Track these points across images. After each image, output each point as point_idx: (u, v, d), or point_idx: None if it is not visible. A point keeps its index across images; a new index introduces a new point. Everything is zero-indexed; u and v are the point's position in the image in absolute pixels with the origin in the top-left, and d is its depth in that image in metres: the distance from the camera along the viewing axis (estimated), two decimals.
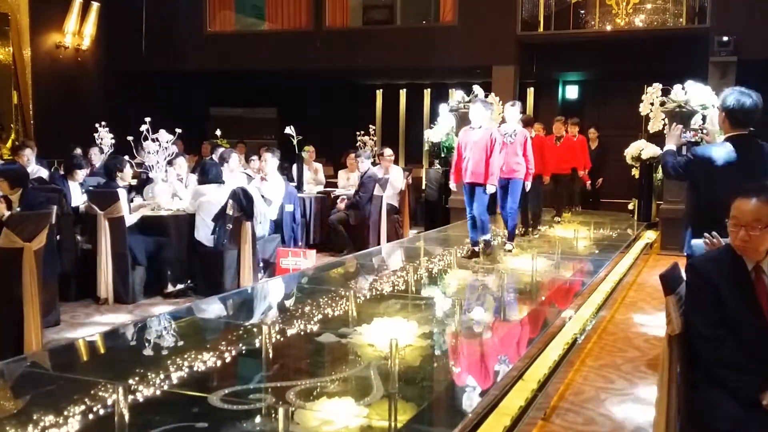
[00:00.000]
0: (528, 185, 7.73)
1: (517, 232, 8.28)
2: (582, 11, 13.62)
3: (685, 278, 2.89)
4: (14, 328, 4.86)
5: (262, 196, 7.71)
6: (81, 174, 7.07)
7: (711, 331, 2.71)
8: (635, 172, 10.73)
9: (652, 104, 9.68)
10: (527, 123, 9.66)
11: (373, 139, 12.82)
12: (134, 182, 8.19)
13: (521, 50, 13.43)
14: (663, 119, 9.53)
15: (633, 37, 13.17)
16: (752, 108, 4.02)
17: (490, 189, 7.03)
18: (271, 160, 8.21)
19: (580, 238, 8.69)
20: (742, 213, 2.73)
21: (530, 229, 9.19)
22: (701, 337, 2.74)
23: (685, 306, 2.81)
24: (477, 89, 11.16)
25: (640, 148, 10.39)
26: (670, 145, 4.45)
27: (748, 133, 4.11)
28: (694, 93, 9.20)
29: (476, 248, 7.35)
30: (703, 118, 9.36)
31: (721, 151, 4.13)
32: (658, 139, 10.16)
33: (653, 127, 9.82)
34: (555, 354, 4.39)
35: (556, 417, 3.93)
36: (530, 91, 14.61)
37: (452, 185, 7.77)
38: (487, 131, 7.06)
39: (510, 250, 7.73)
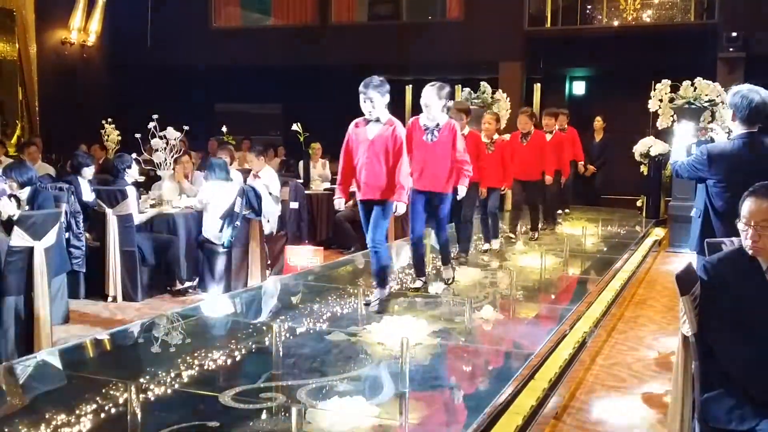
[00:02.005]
0: (462, 191, 5.68)
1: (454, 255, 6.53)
2: (589, 6, 13.58)
3: (700, 278, 2.87)
4: (25, 325, 4.87)
5: (270, 194, 7.70)
6: (89, 171, 7.07)
7: (726, 331, 2.70)
8: (644, 169, 10.68)
9: (660, 101, 9.64)
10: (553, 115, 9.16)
11: None
12: (141, 179, 8.19)
13: (528, 46, 13.39)
14: (672, 115, 9.50)
15: (641, 33, 13.12)
16: (760, 105, 4.01)
17: (401, 209, 5.01)
18: (256, 160, 8.06)
19: (588, 236, 8.65)
20: (752, 213, 2.71)
21: (483, 249, 7.36)
22: (716, 337, 2.72)
23: (700, 306, 2.78)
24: (484, 85, 11.14)
25: (649, 145, 10.34)
26: (678, 157, 4.41)
27: (758, 131, 4.09)
28: (703, 89, 9.16)
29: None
30: (712, 115, 9.33)
31: (732, 149, 4.12)
32: (666, 135, 10.12)
33: (662, 123, 9.79)
34: (566, 353, 4.37)
35: (568, 416, 3.92)
36: (537, 86, 14.54)
37: (338, 203, 5.28)
38: (387, 126, 4.99)
39: (449, 281, 5.83)
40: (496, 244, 7.44)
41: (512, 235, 8.26)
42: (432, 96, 5.39)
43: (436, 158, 5.47)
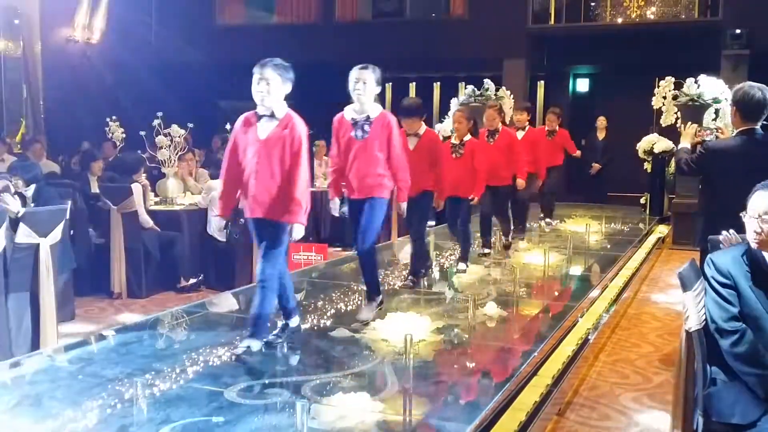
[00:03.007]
0: (403, 209, 4.92)
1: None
2: (593, 3, 13.56)
3: (702, 274, 2.88)
4: (30, 322, 4.89)
5: None
6: (98, 167, 7.10)
7: (730, 325, 2.71)
8: (647, 166, 10.68)
9: (664, 98, 9.63)
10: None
11: None
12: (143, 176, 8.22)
13: (532, 43, 13.39)
14: (675, 113, 9.49)
15: (645, 30, 13.11)
16: (762, 101, 4.06)
17: (297, 233, 3.97)
18: None
19: (591, 233, 8.66)
20: (758, 206, 2.73)
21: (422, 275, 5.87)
22: (720, 332, 2.73)
23: (704, 300, 2.80)
24: (488, 83, 11.14)
25: (653, 142, 10.34)
26: (685, 143, 4.46)
27: (760, 127, 4.14)
28: (707, 86, 9.15)
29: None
30: (716, 112, 9.32)
31: (734, 145, 4.17)
32: (670, 132, 10.11)
33: (665, 120, 9.78)
34: (569, 349, 4.39)
35: (571, 412, 3.93)
36: (541, 84, 14.55)
37: (216, 223, 4.69)
38: (284, 123, 3.92)
39: (365, 322, 4.59)
40: (463, 266, 6.27)
41: (486, 250, 7.06)
42: (368, 77, 4.45)
43: (366, 159, 4.51)
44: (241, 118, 4.04)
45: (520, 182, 7.27)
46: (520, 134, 7.93)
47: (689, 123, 4.84)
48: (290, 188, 3.88)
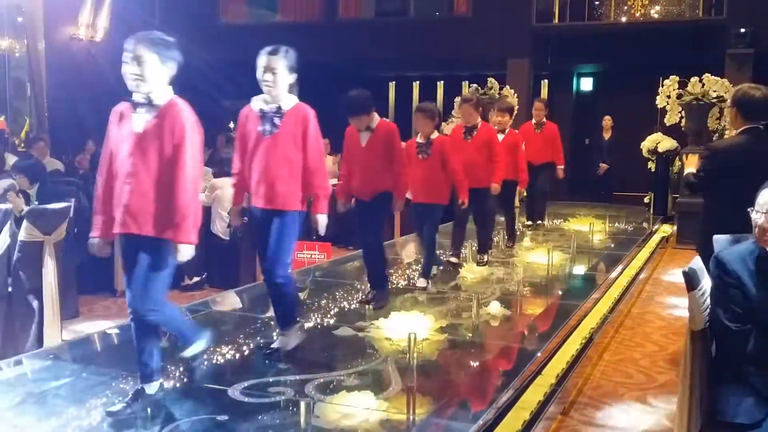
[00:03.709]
0: (322, 221, 3.93)
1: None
2: (597, 2, 13.53)
3: (707, 273, 2.87)
4: (35, 320, 4.90)
5: None
6: None
7: (736, 325, 2.70)
8: (651, 165, 10.66)
9: (668, 97, 9.62)
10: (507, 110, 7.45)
11: None
12: None
13: (536, 42, 13.36)
14: (680, 112, 9.47)
15: (649, 29, 13.07)
16: (761, 100, 4.07)
17: (184, 254, 3.17)
18: None
19: (595, 232, 8.64)
20: (764, 202, 2.73)
21: (373, 296, 5.11)
22: (726, 332, 2.72)
23: (710, 300, 2.79)
24: (491, 81, 11.15)
25: (657, 141, 10.33)
26: (690, 169, 4.37)
27: (761, 126, 4.14)
28: (711, 85, 9.14)
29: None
30: (720, 112, 9.31)
31: (738, 143, 4.16)
32: (674, 131, 10.10)
33: (670, 119, 9.77)
34: (573, 349, 4.38)
35: (575, 411, 3.93)
36: (544, 83, 14.54)
37: (94, 245, 3.40)
38: (165, 112, 3.14)
39: (284, 349, 3.98)
40: (422, 282, 5.56)
41: (454, 260, 6.35)
42: (278, 63, 3.74)
43: (275, 160, 3.75)
44: (116, 108, 3.24)
45: (495, 187, 6.38)
46: (499, 137, 7.02)
47: (690, 154, 4.72)
48: (173, 195, 3.07)
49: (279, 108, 3.79)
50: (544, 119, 8.47)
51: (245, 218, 4.19)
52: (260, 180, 3.81)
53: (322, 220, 3.91)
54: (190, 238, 3.14)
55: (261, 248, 3.93)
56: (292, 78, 3.83)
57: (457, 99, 11.45)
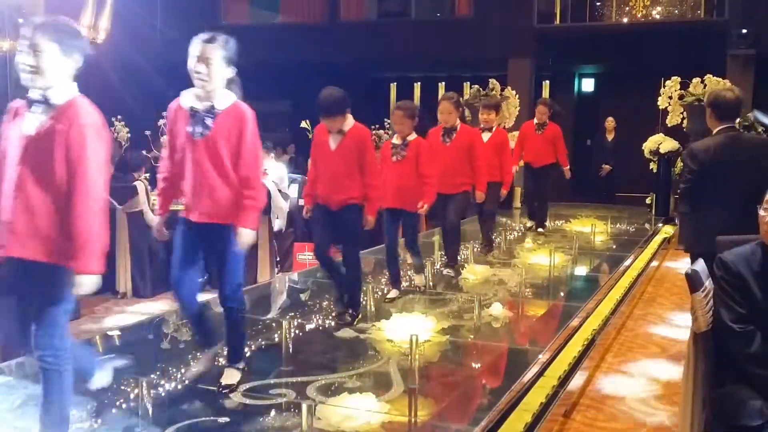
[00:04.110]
0: (247, 237, 3.32)
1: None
2: (599, 3, 13.53)
3: (711, 274, 2.86)
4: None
5: (279, 191, 7.72)
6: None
7: (739, 326, 2.70)
8: (653, 166, 10.64)
9: (670, 98, 9.60)
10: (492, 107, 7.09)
11: (387, 133, 12.81)
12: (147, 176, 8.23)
13: (537, 43, 13.36)
14: (681, 113, 9.46)
15: (650, 30, 13.07)
16: (733, 101, 4.33)
17: (85, 285, 2.64)
18: (265, 157, 8.07)
19: (597, 233, 8.63)
20: None
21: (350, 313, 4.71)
22: (729, 333, 2.71)
23: (713, 301, 2.78)
24: (493, 82, 11.13)
25: (659, 142, 10.30)
26: None
27: (738, 126, 4.52)
28: (713, 86, 9.11)
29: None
30: None
31: (717, 142, 4.33)
32: (676, 132, 10.08)
33: (671, 120, 9.75)
34: (575, 350, 4.37)
35: (577, 414, 3.91)
36: (546, 83, 14.53)
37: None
38: (64, 110, 2.72)
39: (228, 388, 3.50)
40: (394, 293, 5.25)
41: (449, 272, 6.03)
42: (214, 53, 3.28)
43: (207, 166, 3.27)
44: (10, 104, 2.81)
45: (480, 195, 5.97)
46: (485, 136, 6.72)
47: None
48: (69, 217, 2.59)
49: (212, 107, 3.29)
50: (547, 120, 8.21)
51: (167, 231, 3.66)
52: (193, 190, 3.34)
53: (245, 236, 3.30)
54: (91, 267, 2.60)
55: (184, 264, 3.45)
56: (230, 72, 3.36)
57: (459, 100, 11.45)
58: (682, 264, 7.54)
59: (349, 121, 4.44)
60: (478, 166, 5.90)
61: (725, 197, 4.16)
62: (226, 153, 3.28)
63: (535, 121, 8.29)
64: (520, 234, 8.57)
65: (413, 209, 5.14)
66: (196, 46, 3.30)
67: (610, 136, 12.13)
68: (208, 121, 3.28)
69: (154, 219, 6.75)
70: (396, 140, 5.21)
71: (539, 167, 8.12)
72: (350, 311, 4.66)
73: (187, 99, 3.36)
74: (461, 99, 7.02)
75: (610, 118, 12.21)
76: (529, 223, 8.67)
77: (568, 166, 8.35)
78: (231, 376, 3.54)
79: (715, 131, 4.39)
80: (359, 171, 4.42)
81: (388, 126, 13.00)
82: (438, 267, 6.26)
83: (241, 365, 3.59)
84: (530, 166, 8.23)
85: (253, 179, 3.33)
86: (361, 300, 4.84)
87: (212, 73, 3.27)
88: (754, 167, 4.14)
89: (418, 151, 5.09)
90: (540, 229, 8.40)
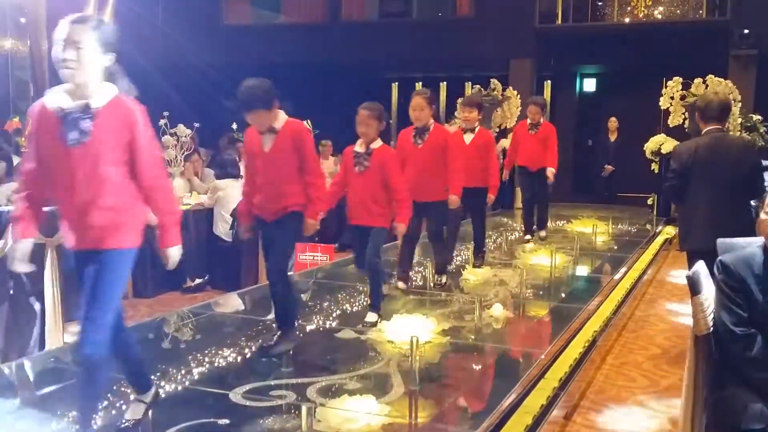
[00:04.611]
0: (172, 255, 3.00)
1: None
2: (600, 3, 13.52)
3: (712, 276, 2.86)
4: (36, 322, 4.90)
5: None
6: None
7: (740, 329, 2.69)
8: (655, 167, 10.64)
9: (672, 98, 9.60)
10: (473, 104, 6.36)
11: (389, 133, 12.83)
12: None
13: (539, 43, 13.36)
14: (683, 113, 9.46)
15: (652, 30, 13.06)
16: (717, 104, 4.65)
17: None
18: None
19: (599, 234, 8.62)
20: None
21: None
22: (730, 336, 2.71)
23: (714, 304, 2.78)
24: (494, 82, 11.13)
25: (660, 143, 10.31)
26: None
27: (723, 128, 4.73)
28: (715, 87, 9.12)
29: None
30: None
31: (703, 143, 4.64)
32: (677, 133, 10.07)
33: (673, 121, 9.75)
34: (576, 352, 4.36)
35: (578, 416, 3.91)
36: (547, 84, 14.53)
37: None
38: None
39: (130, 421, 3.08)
40: (373, 316, 4.62)
41: (401, 285, 5.43)
42: (84, 36, 2.71)
43: (88, 180, 2.67)
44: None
45: (453, 199, 5.33)
46: (467, 137, 6.21)
47: None
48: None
49: (87, 106, 2.67)
50: (541, 120, 7.62)
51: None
52: (69, 210, 2.75)
53: (172, 254, 2.94)
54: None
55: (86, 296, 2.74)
56: (107, 60, 2.76)
57: (460, 100, 11.44)
58: (683, 265, 7.53)
59: (281, 117, 3.90)
60: (452, 169, 5.29)
61: (710, 195, 4.52)
62: (112, 160, 2.69)
63: (528, 121, 7.69)
64: (521, 234, 8.56)
65: (380, 224, 4.61)
66: (63, 27, 2.73)
67: (612, 137, 12.12)
68: (86, 125, 2.66)
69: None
70: (359, 147, 4.62)
71: (537, 170, 7.57)
72: (279, 332, 4.05)
73: (54, 98, 2.73)
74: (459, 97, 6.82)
75: (613, 119, 12.19)
76: (526, 237, 7.88)
77: (554, 169, 7.52)
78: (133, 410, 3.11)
79: (702, 132, 4.71)
80: (298, 173, 3.90)
81: (389, 125, 13.03)
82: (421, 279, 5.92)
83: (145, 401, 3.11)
84: (527, 169, 7.65)
85: (160, 190, 2.82)
86: (296, 323, 4.24)
87: (83, 59, 2.66)
88: (736, 166, 4.49)
89: (383, 160, 4.53)
90: (542, 233, 7.97)
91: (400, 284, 5.41)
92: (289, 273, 4.30)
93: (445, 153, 5.26)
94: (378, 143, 4.60)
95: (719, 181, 4.49)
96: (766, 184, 5.19)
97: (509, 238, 8.16)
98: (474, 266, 6.34)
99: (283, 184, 3.88)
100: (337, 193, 4.84)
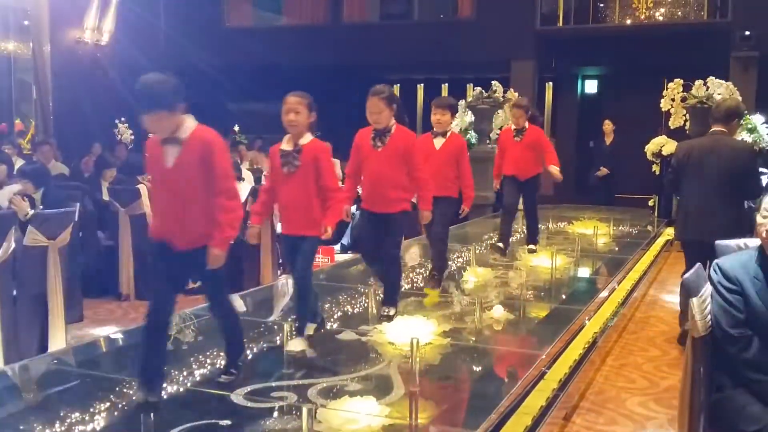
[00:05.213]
0: None
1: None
2: (602, 5, 13.54)
3: (709, 279, 2.87)
4: (39, 324, 4.93)
5: None
6: (110, 174, 7.15)
7: (737, 331, 2.71)
8: (655, 168, 10.65)
9: (673, 100, 9.61)
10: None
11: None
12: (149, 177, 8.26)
13: (540, 45, 13.38)
14: (684, 115, 9.47)
15: (653, 31, 13.09)
16: (725, 108, 5.15)
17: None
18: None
19: (599, 235, 8.64)
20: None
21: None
22: (727, 338, 2.73)
23: (711, 306, 2.79)
24: (495, 84, 11.14)
25: (661, 144, 10.30)
26: None
27: (725, 130, 5.11)
28: (716, 89, 9.12)
29: None
30: None
31: (692, 144, 5.28)
32: (678, 134, 10.08)
33: (674, 122, 9.76)
34: (576, 353, 4.38)
35: (577, 417, 3.93)
36: (549, 85, 14.56)
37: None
38: None
39: None
40: (299, 344, 4.01)
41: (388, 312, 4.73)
42: None
43: None
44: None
45: (425, 214, 4.76)
46: (437, 142, 5.50)
47: None
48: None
49: None
50: (526, 124, 6.79)
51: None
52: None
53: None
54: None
55: None
56: None
57: (461, 102, 11.46)
58: (684, 266, 7.53)
59: (188, 124, 3.24)
60: (418, 178, 4.61)
61: (701, 191, 5.01)
62: None
63: (512, 126, 6.92)
64: (522, 236, 8.57)
65: (313, 233, 3.96)
66: None
67: (608, 140, 12.11)
68: None
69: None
70: (286, 145, 3.98)
71: (525, 180, 6.81)
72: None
73: None
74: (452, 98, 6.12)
75: (608, 121, 12.16)
76: (499, 244, 6.92)
77: (558, 166, 6.85)
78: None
79: (708, 132, 5.23)
80: (206, 195, 3.23)
81: None
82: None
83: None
84: (516, 179, 6.82)
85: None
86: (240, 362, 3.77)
87: None
88: (727, 167, 4.90)
89: (316, 158, 3.91)
90: (532, 247, 7.11)
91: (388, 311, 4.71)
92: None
93: (410, 160, 4.57)
94: (308, 137, 3.97)
95: (709, 179, 4.95)
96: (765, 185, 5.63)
97: (510, 239, 8.16)
98: (431, 285, 5.58)
99: (189, 211, 3.24)
100: (266, 202, 4.17)
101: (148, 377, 3.28)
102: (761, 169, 6.63)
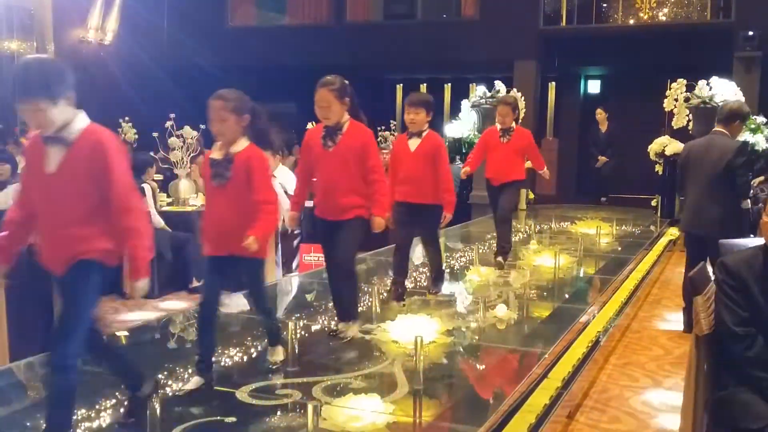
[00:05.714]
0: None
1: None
2: (605, 5, 13.54)
3: (713, 278, 2.88)
4: (43, 324, 4.93)
5: (285, 192, 7.75)
6: None
7: (741, 329, 2.71)
8: (658, 168, 10.65)
9: (676, 100, 9.61)
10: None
11: (393, 134, 12.84)
12: (159, 177, 8.27)
13: (543, 44, 13.37)
14: (687, 115, 9.47)
15: (656, 31, 13.07)
16: (728, 110, 5.41)
17: None
18: (271, 159, 8.14)
19: (602, 235, 8.64)
20: None
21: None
22: (731, 336, 2.73)
23: (715, 304, 2.80)
24: (498, 84, 11.15)
25: (664, 144, 10.31)
26: None
27: (725, 130, 5.35)
28: (719, 89, 9.13)
29: None
30: None
31: (693, 143, 5.64)
32: (681, 134, 10.08)
33: (677, 122, 9.76)
34: (579, 352, 4.38)
35: (581, 415, 3.94)
36: (552, 85, 14.55)
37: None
38: None
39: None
40: (194, 382, 3.50)
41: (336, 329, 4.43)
42: None
43: None
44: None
45: (378, 222, 4.19)
46: (412, 143, 5.03)
47: None
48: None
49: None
50: (513, 124, 6.29)
51: None
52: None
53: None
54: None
55: None
56: None
57: (464, 101, 11.47)
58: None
59: (79, 121, 2.75)
60: (375, 181, 4.14)
61: (696, 187, 5.36)
62: None
63: (498, 126, 6.34)
64: (525, 236, 8.58)
65: (252, 255, 3.41)
66: None
67: (603, 128, 12.10)
68: None
69: (160, 221, 6.83)
70: (216, 153, 3.50)
71: (499, 185, 6.32)
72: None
73: None
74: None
75: (599, 110, 12.17)
76: (499, 258, 6.40)
77: (545, 169, 6.65)
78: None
79: (710, 132, 5.51)
80: (101, 208, 2.72)
81: (393, 128, 13.05)
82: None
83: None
84: (489, 183, 6.40)
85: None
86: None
87: None
88: (716, 165, 5.17)
89: (249, 168, 3.41)
90: (499, 259, 6.35)
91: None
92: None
93: (366, 161, 4.12)
94: (242, 144, 3.48)
95: (702, 176, 5.29)
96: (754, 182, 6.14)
97: (513, 239, 8.16)
98: (432, 293, 5.35)
99: (74, 224, 2.70)
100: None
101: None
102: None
